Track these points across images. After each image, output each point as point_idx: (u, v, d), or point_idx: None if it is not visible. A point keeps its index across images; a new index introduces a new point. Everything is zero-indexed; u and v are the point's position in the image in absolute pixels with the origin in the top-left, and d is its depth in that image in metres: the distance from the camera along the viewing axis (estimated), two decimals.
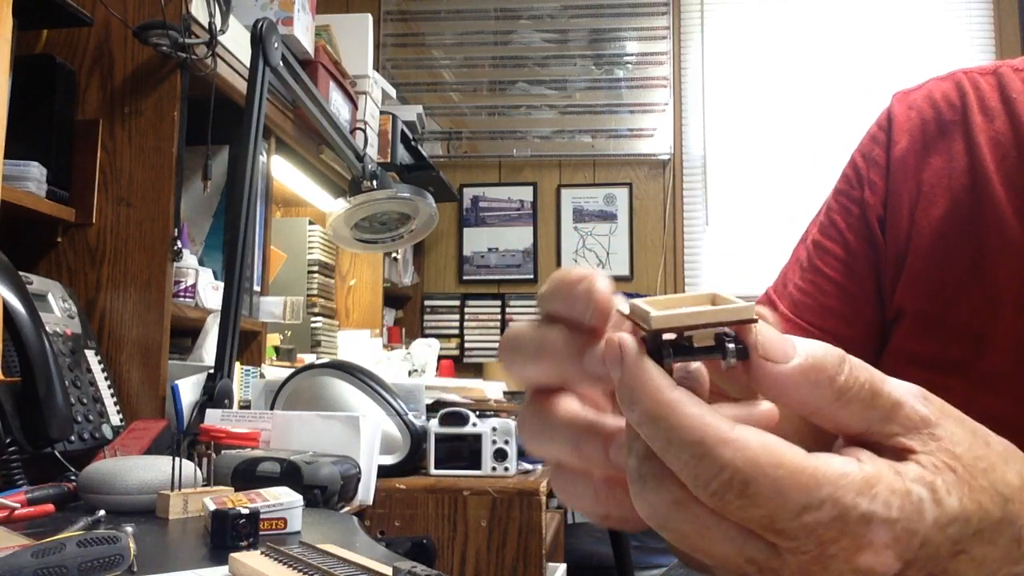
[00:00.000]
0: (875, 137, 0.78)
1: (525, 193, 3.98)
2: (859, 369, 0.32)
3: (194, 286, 1.52)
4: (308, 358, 2.14)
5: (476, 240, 3.97)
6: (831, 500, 0.29)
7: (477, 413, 1.42)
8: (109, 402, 1.27)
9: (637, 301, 0.33)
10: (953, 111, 0.73)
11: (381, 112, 2.61)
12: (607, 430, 0.34)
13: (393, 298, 3.52)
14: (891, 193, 0.74)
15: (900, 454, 0.31)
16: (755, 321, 0.31)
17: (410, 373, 2.67)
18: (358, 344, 2.66)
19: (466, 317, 3.92)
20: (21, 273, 1.11)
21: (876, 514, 0.29)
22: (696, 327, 0.31)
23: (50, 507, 0.91)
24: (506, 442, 1.37)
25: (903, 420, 0.32)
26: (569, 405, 0.35)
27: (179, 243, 1.41)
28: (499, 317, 3.91)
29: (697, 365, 0.32)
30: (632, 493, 0.31)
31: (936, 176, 0.72)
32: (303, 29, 1.88)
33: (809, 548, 0.29)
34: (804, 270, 0.78)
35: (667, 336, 0.32)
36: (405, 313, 3.87)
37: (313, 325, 2.55)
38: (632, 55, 3.98)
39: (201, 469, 1.00)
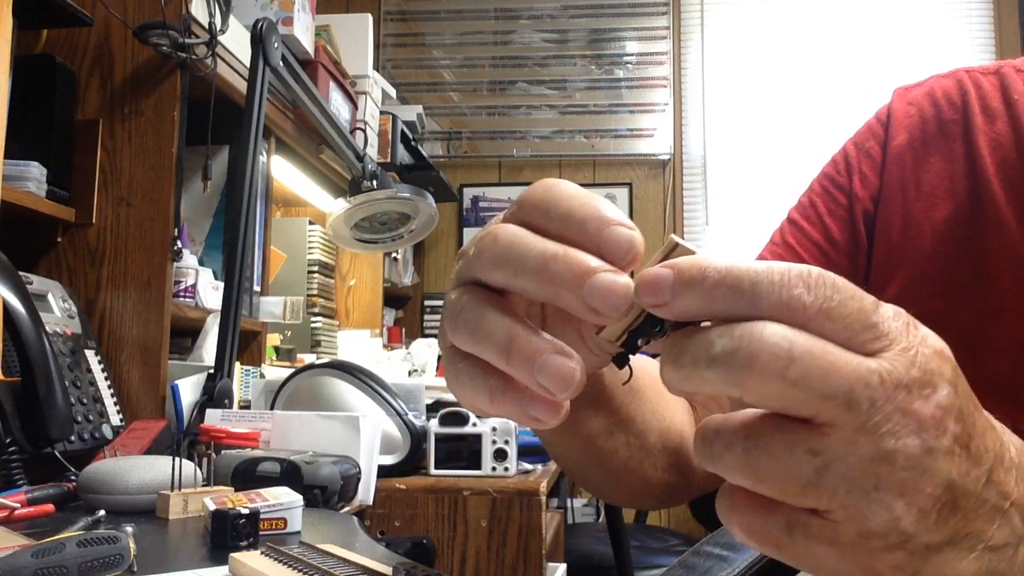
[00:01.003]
0: (872, 129, 0.77)
1: None
2: None
3: (194, 286, 1.52)
4: (308, 358, 2.14)
5: None
6: (884, 305, 0.31)
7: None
8: (109, 402, 1.27)
9: None
10: (954, 110, 0.73)
11: (381, 112, 2.61)
12: (537, 343, 0.34)
13: (393, 298, 3.52)
14: (885, 188, 0.74)
15: None
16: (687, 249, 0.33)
17: (410, 373, 2.67)
18: (358, 344, 2.66)
19: None
20: (21, 273, 1.11)
21: (914, 320, 0.32)
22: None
23: (50, 507, 0.91)
24: (506, 442, 1.37)
25: None
26: (511, 307, 0.36)
27: (179, 243, 1.41)
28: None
29: None
30: (748, 354, 0.30)
31: (937, 178, 0.71)
32: (303, 29, 1.89)
33: (902, 342, 0.31)
34: (775, 244, 0.77)
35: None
36: (405, 313, 3.87)
37: (313, 325, 2.55)
38: (632, 55, 3.98)
39: (201, 469, 1.00)
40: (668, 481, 0.64)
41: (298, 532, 0.83)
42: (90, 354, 1.28)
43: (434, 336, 3.54)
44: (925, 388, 0.30)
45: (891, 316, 0.31)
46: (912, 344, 0.31)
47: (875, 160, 0.75)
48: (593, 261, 0.33)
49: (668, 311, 0.31)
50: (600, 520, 3.44)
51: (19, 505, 0.88)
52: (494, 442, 1.37)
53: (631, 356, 0.35)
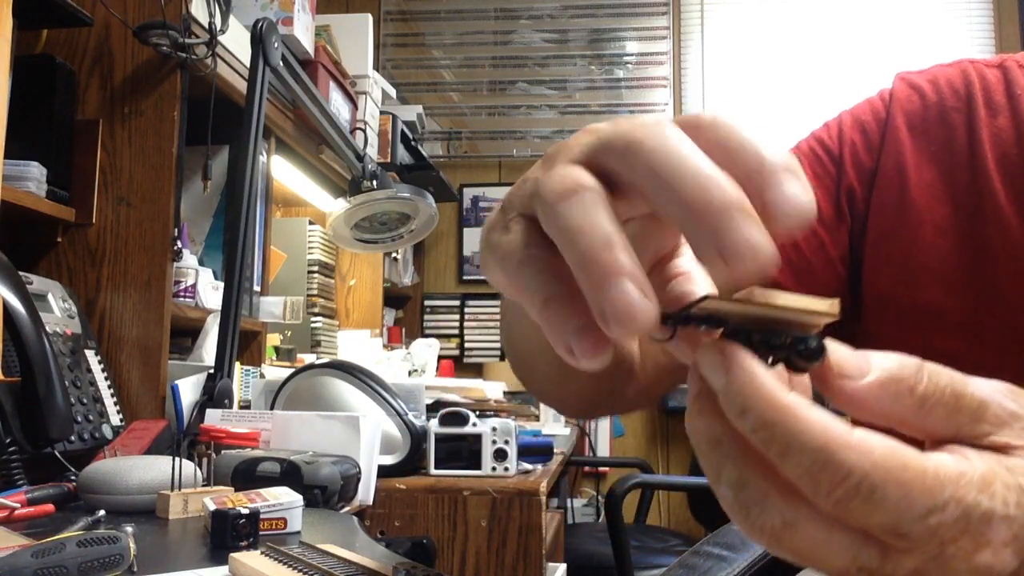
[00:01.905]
0: (872, 106, 0.76)
1: None
2: (938, 375, 0.31)
3: (194, 286, 1.52)
4: (308, 358, 2.14)
5: (476, 240, 3.97)
6: (954, 500, 0.28)
7: (477, 413, 1.42)
8: (109, 402, 1.27)
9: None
10: (957, 98, 0.72)
11: (381, 112, 2.61)
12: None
13: (393, 298, 3.52)
14: (881, 172, 0.72)
15: (999, 450, 0.31)
16: (835, 317, 0.30)
17: (410, 373, 2.68)
18: (358, 344, 2.66)
19: (466, 317, 3.92)
20: (21, 273, 1.11)
21: (996, 512, 0.29)
22: (779, 320, 0.30)
23: (50, 507, 0.91)
24: (506, 442, 1.37)
25: (992, 418, 0.31)
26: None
27: (179, 243, 1.41)
28: (499, 317, 3.90)
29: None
30: (736, 521, 0.30)
31: (937, 170, 0.71)
32: (303, 29, 1.89)
33: (929, 550, 0.29)
34: None
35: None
36: (405, 313, 3.87)
37: (313, 325, 2.55)
38: (632, 55, 3.98)
39: (201, 469, 1.00)
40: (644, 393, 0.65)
41: (298, 532, 0.83)
42: (90, 354, 1.28)
43: (434, 336, 3.55)
44: None
45: (939, 524, 0.28)
46: (939, 552, 0.29)
47: (871, 139, 0.74)
48: (756, 216, 0.27)
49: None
50: (600, 520, 3.45)
51: (19, 505, 0.88)
52: (494, 442, 1.37)
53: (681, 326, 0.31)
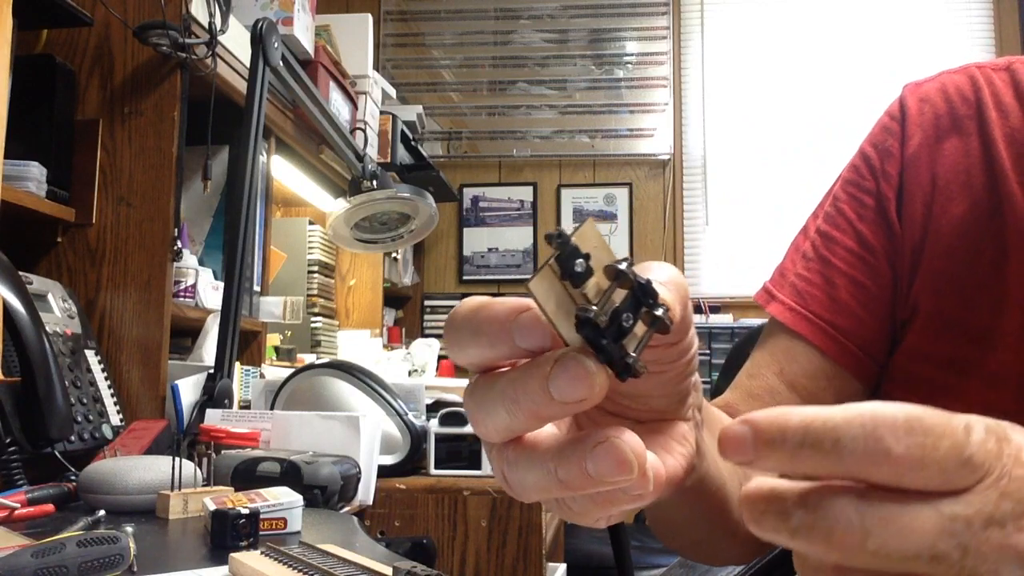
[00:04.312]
0: (888, 128, 0.76)
1: (525, 193, 3.98)
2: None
3: (194, 286, 1.52)
4: (308, 358, 2.14)
5: (476, 240, 3.97)
6: (975, 428, 0.29)
7: None
8: (109, 402, 1.27)
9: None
10: (967, 105, 0.72)
11: (381, 112, 2.61)
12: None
13: (393, 298, 3.52)
14: (905, 189, 0.72)
15: None
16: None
17: (410, 373, 2.67)
18: (358, 344, 2.66)
19: None
20: (21, 273, 1.11)
21: (1006, 429, 0.31)
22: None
23: (50, 507, 0.91)
24: None
25: None
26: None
27: (179, 243, 1.41)
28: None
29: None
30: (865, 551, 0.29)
31: (952, 172, 0.71)
32: (303, 29, 1.89)
33: (995, 470, 0.29)
34: (809, 260, 0.75)
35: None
36: (405, 313, 3.87)
37: (313, 325, 2.55)
38: (632, 55, 3.98)
39: (201, 469, 1.00)
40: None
41: (298, 532, 0.83)
42: (90, 354, 1.28)
43: (434, 336, 3.54)
44: (1020, 519, 0.29)
45: (983, 440, 0.29)
46: (1005, 471, 0.29)
47: (896, 158, 0.74)
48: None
49: (753, 468, 0.30)
50: None
51: (19, 505, 0.88)
52: None
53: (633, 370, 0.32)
